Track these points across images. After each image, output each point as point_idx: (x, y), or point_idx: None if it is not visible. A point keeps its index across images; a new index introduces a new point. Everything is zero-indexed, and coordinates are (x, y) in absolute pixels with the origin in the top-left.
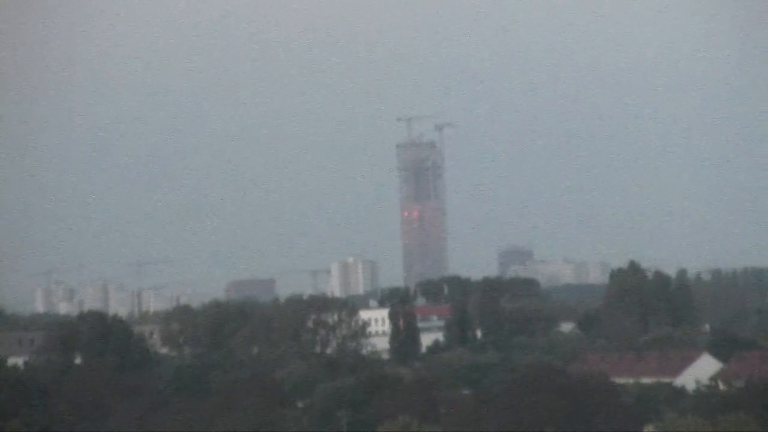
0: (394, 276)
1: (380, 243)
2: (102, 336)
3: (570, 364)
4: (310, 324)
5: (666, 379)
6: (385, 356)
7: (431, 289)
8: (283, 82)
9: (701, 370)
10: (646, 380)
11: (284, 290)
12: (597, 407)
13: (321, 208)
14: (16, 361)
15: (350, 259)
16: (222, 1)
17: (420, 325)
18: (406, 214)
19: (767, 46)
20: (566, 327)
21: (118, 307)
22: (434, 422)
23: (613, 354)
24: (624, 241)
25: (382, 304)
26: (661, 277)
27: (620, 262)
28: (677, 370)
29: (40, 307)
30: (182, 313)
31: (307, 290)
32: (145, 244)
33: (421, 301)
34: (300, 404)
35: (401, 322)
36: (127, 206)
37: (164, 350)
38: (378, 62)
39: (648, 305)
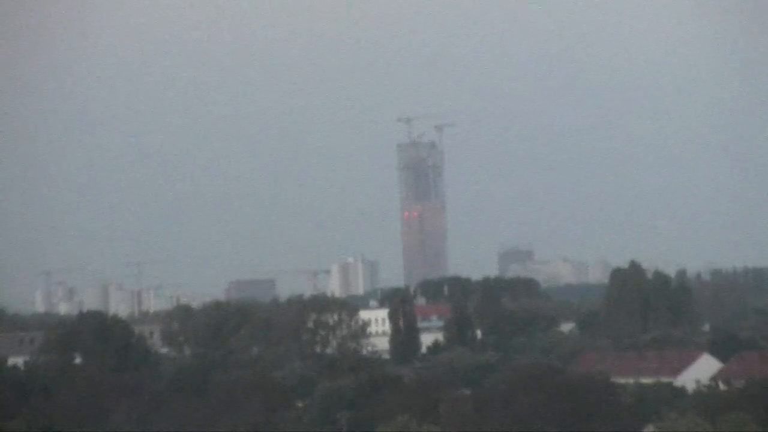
0: (394, 276)
1: (380, 243)
2: (102, 336)
3: (570, 364)
4: (310, 324)
5: (666, 379)
6: (385, 356)
7: (431, 289)
8: (283, 82)
9: (701, 370)
10: (646, 380)
11: (284, 290)
12: (597, 407)
13: (321, 208)
14: (16, 361)
15: (350, 259)
16: (222, 1)
17: (420, 325)
18: (406, 214)
19: None
20: (566, 327)
21: (118, 307)
22: (434, 422)
23: (613, 354)
24: (624, 241)
25: (382, 304)
26: (661, 277)
27: (620, 262)
28: (677, 370)
29: (40, 307)
30: (182, 313)
31: (307, 290)
32: (145, 244)
33: (421, 301)
34: (300, 404)
35: (401, 322)
36: (127, 206)
37: (164, 350)
38: (378, 62)
39: (648, 305)
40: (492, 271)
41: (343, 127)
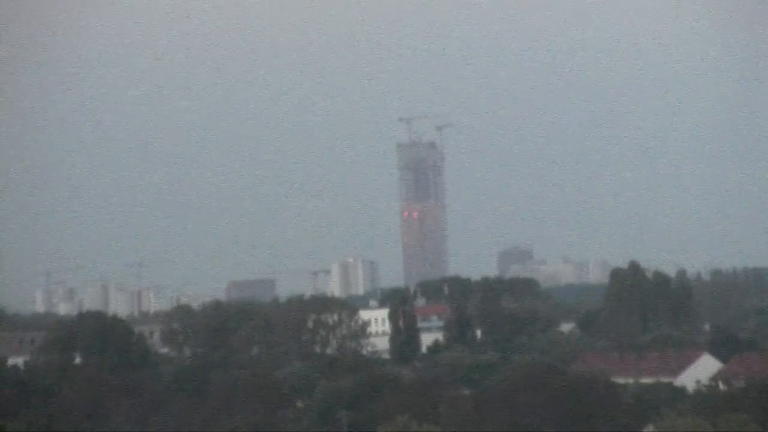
0: (394, 276)
1: (380, 243)
2: (102, 336)
3: (570, 364)
4: (310, 324)
5: (666, 379)
6: (385, 356)
7: (431, 289)
8: (283, 81)
9: (701, 370)
10: (646, 380)
11: (284, 290)
12: (597, 407)
13: (321, 208)
14: (16, 361)
15: (350, 259)
16: (223, 1)
17: (420, 325)
18: (406, 214)
19: None
20: (566, 327)
21: (118, 307)
22: (434, 422)
23: (613, 354)
24: (624, 241)
25: (382, 304)
26: (661, 277)
27: (620, 262)
28: (677, 370)
29: (40, 307)
30: (182, 313)
31: (307, 290)
32: (145, 244)
33: (421, 301)
34: (300, 404)
35: (401, 322)
36: (126, 206)
37: (164, 350)
38: (378, 62)
39: (648, 305)
40: (492, 271)
41: (343, 127)
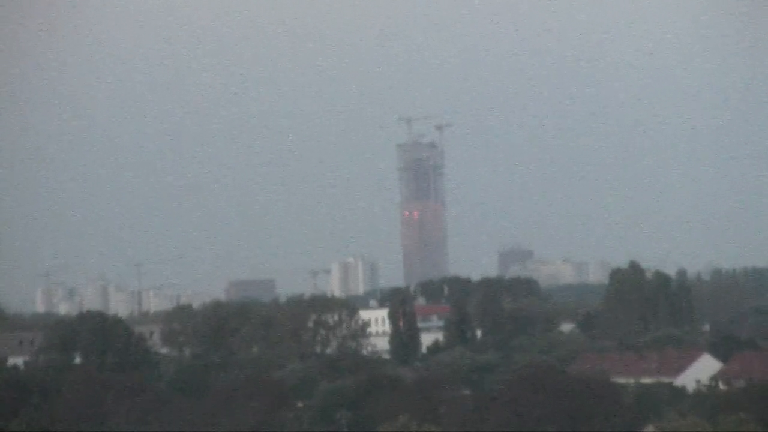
0: (394, 276)
1: (380, 243)
2: (102, 336)
3: (570, 364)
4: (310, 324)
5: (666, 379)
6: (385, 356)
7: (431, 289)
8: (283, 81)
9: (701, 370)
10: (646, 380)
11: (284, 290)
12: (597, 407)
13: (321, 208)
14: (16, 361)
15: (350, 259)
16: (224, 1)
17: (420, 325)
18: (406, 214)
19: None
20: (566, 327)
21: (118, 307)
22: (434, 422)
23: (613, 354)
24: (624, 241)
25: (382, 304)
26: (661, 277)
27: (620, 262)
28: (677, 370)
29: (40, 307)
30: (182, 313)
31: (307, 290)
32: (145, 244)
33: (421, 301)
34: (300, 404)
35: (401, 322)
36: (126, 206)
37: (164, 350)
38: (378, 62)
39: (648, 305)
40: (492, 271)
41: (343, 127)
